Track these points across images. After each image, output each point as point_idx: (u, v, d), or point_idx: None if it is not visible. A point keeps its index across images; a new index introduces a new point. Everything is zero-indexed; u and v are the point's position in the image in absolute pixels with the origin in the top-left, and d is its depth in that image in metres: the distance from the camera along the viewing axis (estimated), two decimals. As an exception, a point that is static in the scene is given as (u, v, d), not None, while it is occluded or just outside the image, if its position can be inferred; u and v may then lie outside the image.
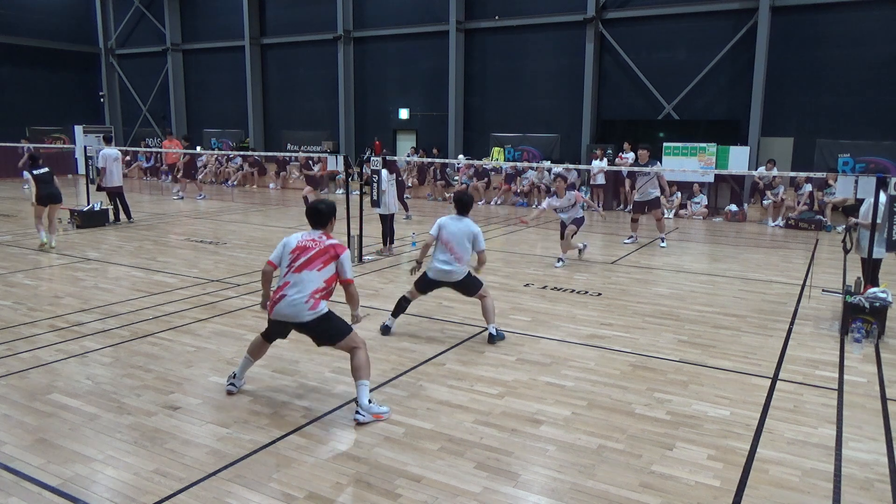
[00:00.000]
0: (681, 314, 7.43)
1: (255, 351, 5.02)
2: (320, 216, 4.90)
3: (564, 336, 6.55)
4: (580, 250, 10.63)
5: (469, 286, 6.46)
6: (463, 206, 6.53)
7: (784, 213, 15.27)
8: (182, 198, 18.92)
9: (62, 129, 26.96)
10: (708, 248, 12.21)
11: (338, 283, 4.83)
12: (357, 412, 4.58)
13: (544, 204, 10.64)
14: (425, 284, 6.55)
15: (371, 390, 5.02)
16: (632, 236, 12.40)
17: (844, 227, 7.85)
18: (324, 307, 4.68)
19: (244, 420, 4.56)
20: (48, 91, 28.63)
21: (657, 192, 11.96)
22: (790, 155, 17.20)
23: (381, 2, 23.09)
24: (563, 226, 10.42)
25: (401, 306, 6.66)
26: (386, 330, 6.61)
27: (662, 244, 11.97)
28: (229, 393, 4.97)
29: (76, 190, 20.46)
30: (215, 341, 6.25)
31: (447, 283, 6.46)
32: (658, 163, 12.20)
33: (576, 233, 10.32)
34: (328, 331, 4.71)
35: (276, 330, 4.89)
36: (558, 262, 10.22)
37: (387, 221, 10.84)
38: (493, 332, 6.34)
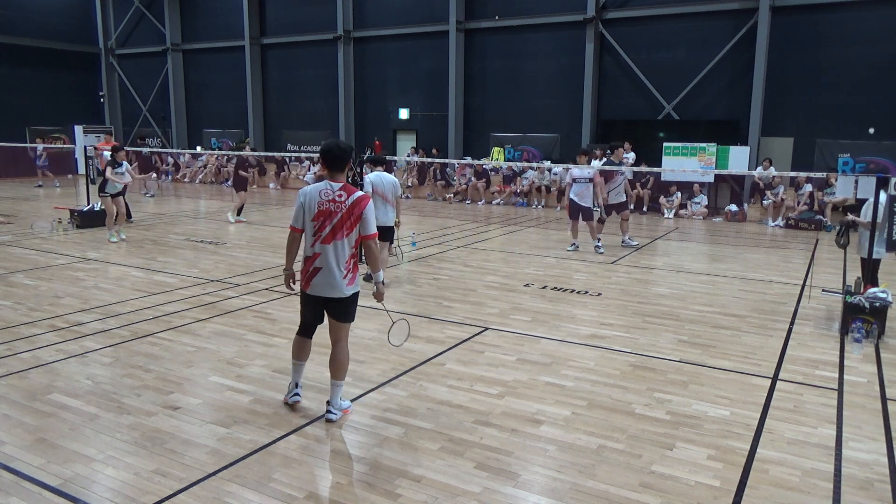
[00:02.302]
0: (681, 314, 7.42)
1: (300, 353, 4.73)
2: (341, 157, 4.44)
3: (564, 336, 6.55)
4: (575, 246, 11.16)
5: (389, 236, 8.52)
6: (384, 162, 8.79)
7: (784, 213, 15.27)
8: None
9: (62, 129, 26.97)
10: (708, 248, 12.21)
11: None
12: (329, 411, 4.57)
13: (567, 178, 11.23)
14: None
15: (371, 391, 5.08)
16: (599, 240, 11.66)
17: (839, 224, 7.85)
18: (357, 284, 4.57)
19: (244, 420, 4.56)
20: (48, 91, 28.62)
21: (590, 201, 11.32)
22: (790, 155, 17.21)
23: (381, 2, 23.09)
24: (574, 206, 10.93)
25: None
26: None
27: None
28: (295, 403, 4.75)
29: (76, 190, 20.48)
30: (215, 341, 6.25)
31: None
32: (593, 164, 11.72)
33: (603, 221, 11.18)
34: (351, 309, 4.59)
35: (311, 310, 4.62)
36: (572, 247, 11.24)
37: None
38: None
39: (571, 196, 11.06)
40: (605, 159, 17.52)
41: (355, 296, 4.57)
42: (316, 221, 4.40)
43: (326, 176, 4.52)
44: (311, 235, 4.44)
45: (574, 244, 11.28)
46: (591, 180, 10.95)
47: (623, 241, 11.90)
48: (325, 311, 4.62)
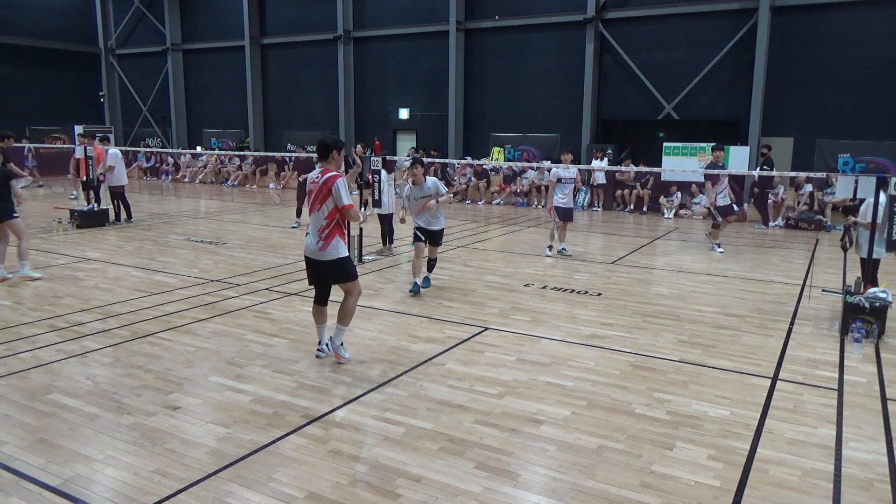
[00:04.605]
0: (681, 314, 7.42)
1: (316, 317, 5.76)
2: (322, 148, 5.48)
3: (564, 336, 6.55)
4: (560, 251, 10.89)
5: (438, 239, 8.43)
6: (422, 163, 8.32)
7: (784, 213, 15.27)
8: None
9: (62, 129, 26.96)
10: (708, 249, 12.19)
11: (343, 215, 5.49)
12: (325, 346, 5.73)
13: (551, 175, 10.84)
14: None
15: (371, 391, 5.08)
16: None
17: (843, 226, 7.85)
18: (336, 252, 5.40)
19: (244, 420, 4.56)
20: (48, 91, 28.63)
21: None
22: (790, 155, 17.20)
23: (381, 2, 23.10)
24: (564, 209, 10.69)
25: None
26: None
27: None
28: (318, 357, 5.72)
29: (77, 192, 20.43)
30: (215, 341, 6.25)
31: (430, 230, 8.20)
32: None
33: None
34: (340, 271, 5.49)
35: (308, 271, 5.64)
36: (550, 249, 10.90)
37: (386, 221, 10.84)
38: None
39: (560, 198, 10.59)
40: (606, 159, 17.63)
41: (339, 261, 5.44)
42: (308, 198, 5.53)
43: (317, 163, 5.63)
44: (306, 208, 5.60)
45: (551, 246, 10.89)
46: (572, 181, 10.78)
47: (712, 247, 11.58)
48: (321, 274, 5.55)
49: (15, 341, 6.16)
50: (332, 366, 5.61)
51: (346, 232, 5.56)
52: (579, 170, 11.04)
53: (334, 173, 5.40)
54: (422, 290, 8.11)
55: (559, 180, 10.65)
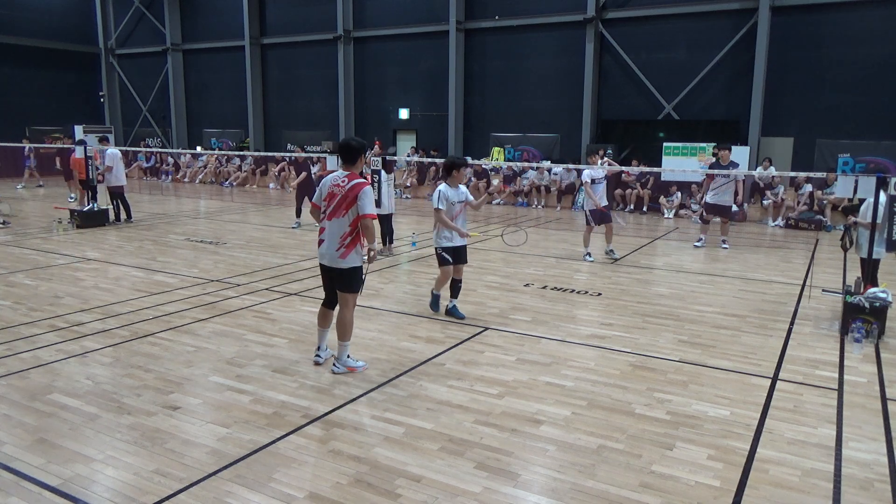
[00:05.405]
0: (681, 314, 7.42)
1: (320, 320, 5.62)
2: (349, 152, 5.28)
3: (564, 336, 6.55)
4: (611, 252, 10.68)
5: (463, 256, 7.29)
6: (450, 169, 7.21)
7: (784, 213, 15.27)
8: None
9: (62, 129, 26.97)
10: (708, 248, 12.19)
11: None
12: (334, 365, 5.42)
13: (585, 177, 10.51)
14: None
15: (371, 391, 5.08)
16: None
17: (843, 226, 7.85)
18: (353, 260, 5.24)
19: (244, 420, 4.56)
20: (48, 91, 28.64)
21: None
22: (790, 155, 17.20)
23: (381, 2, 23.11)
24: (600, 212, 10.44)
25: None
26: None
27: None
28: (316, 363, 5.58)
29: (75, 193, 20.43)
30: (215, 341, 6.25)
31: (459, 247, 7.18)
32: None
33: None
34: (348, 280, 5.30)
35: (322, 277, 5.49)
36: (589, 255, 10.64)
37: (386, 221, 10.84)
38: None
39: (598, 200, 10.36)
40: (605, 160, 17.60)
41: (353, 269, 5.28)
42: (326, 202, 5.29)
43: (341, 166, 5.38)
44: (322, 213, 5.33)
45: (589, 253, 10.61)
46: (605, 177, 10.53)
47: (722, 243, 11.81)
48: (332, 280, 5.39)
49: (15, 341, 6.16)
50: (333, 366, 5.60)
51: (363, 240, 5.33)
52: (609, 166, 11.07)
53: (361, 180, 5.22)
54: (458, 318, 7.09)
55: (593, 181, 10.37)
